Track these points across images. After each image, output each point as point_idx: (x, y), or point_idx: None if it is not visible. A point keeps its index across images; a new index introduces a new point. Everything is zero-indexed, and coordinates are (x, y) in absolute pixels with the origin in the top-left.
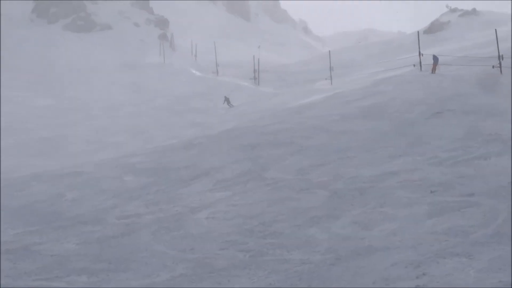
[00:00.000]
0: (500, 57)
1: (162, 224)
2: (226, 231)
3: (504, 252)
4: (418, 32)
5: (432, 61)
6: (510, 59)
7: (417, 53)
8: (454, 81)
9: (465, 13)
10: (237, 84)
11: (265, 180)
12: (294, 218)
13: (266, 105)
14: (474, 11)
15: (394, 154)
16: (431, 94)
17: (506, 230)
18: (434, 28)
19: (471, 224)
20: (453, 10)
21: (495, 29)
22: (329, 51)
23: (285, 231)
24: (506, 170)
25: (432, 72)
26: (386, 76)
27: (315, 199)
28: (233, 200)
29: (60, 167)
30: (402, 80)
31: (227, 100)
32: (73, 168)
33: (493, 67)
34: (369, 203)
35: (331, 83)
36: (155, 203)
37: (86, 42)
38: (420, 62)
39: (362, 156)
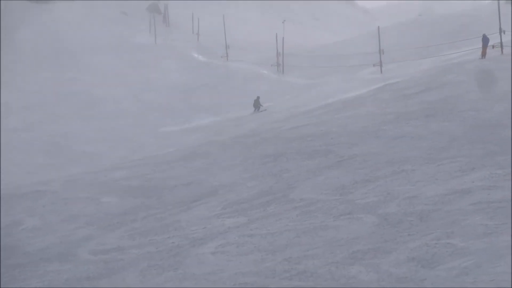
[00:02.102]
0: None
1: (154, 261)
2: (240, 270)
3: None
4: (498, 2)
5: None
6: None
7: (498, 30)
8: None
9: None
10: (254, 72)
11: (292, 202)
12: (331, 253)
13: (294, 100)
14: None
15: (466, 166)
16: None
17: None
18: None
19: None
20: None
21: None
22: (379, 27)
23: (318, 271)
24: None
25: (481, 57)
26: (456, 62)
27: (360, 228)
28: (249, 228)
29: (16, 185)
30: (478, 67)
31: (257, 103)
32: (33, 187)
33: None
34: (432, 232)
35: (382, 71)
36: (144, 233)
37: (49, 16)
38: (501, 43)
39: (424, 170)
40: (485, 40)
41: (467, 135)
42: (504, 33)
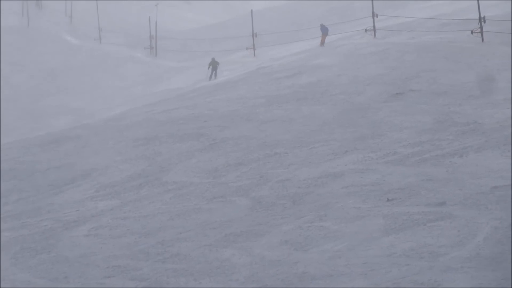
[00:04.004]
0: (481, 20)
1: (26, 244)
2: (113, 253)
3: (485, 280)
4: None
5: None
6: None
7: (370, 15)
8: (420, 52)
9: None
10: (126, 55)
11: (165, 184)
12: (204, 236)
13: (167, 84)
14: None
15: (338, 150)
16: (389, 69)
17: (488, 251)
18: None
19: (442, 243)
20: None
21: None
22: (252, 10)
23: (191, 253)
24: (487, 171)
25: (320, 45)
26: (328, 46)
27: (232, 211)
28: (122, 211)
29: None
30: (350, 51)
31: (214, 65)
32: None
33: (471, 32)
34: (305, 215)
35: (254, 54)
36: (16, 216)
37: None
38: (374, 27)
39: (296, 153)
40: (323, 29)
41: (339, 118)
42: (377, 17)
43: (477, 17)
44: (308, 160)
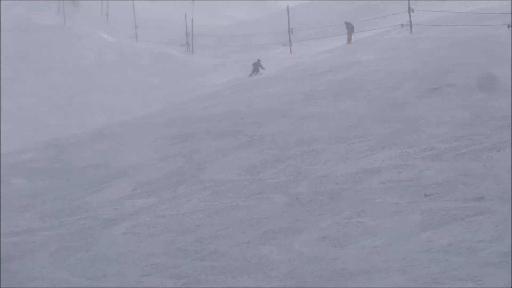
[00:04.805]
0: None
1: (64, 242)
2: (151, 251)
3: None
4: None
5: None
6: None
7: (406, 9)
8: (456, 47)
9: None
10: (162, 52)
11: (203, 182)
12: (242, 233)
13: (203, 80)
14: None
15: (375, 145)
16: (425, 64)
17: None
18: None
19: (480, 238)
20: None
21: None
22: (288, 6)
23: (229, 251)
24: None
25: (347, 43)
26: (364, 42)
27: (270, 207)
28: (160, 209)
29: None
30: (386, 46)
31: (256, 66)
32: None
33: (508, 26)
34: (343, 211)
35: (291, 50)
36: (54, 215)
37: None
38: (410, 22)
39: (333, 149)
40: (348, 26)
41: (375, 114)
42: (413, 12)
43: None
44: (345, 156)
